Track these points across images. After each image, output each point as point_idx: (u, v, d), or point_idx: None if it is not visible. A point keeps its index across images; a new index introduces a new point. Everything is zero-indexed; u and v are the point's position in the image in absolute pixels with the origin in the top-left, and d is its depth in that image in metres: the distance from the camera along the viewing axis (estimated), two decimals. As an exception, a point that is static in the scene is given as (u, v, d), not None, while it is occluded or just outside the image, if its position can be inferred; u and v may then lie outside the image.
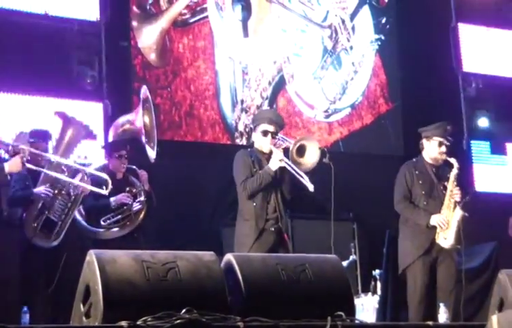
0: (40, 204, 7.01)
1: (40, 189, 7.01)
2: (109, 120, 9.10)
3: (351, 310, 4.74)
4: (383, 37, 11.27)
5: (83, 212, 7.36)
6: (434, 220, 7.07)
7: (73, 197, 7.09)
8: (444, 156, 7.25)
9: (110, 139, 7.90)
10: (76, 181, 6.97)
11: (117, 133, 7.77)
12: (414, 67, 11.05)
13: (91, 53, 9.23)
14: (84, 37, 9.21)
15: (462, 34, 11.42)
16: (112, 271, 4.15)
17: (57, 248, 7.07)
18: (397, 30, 11.37)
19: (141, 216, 7.47)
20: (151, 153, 7.62)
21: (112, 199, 7.34)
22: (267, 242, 6.61)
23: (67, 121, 7.31)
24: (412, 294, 7.12)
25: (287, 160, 6.61)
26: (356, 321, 4.83)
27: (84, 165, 7.21)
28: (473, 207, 7.27)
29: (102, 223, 7.33)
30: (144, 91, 7.85)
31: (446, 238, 7.05)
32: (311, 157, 6.70)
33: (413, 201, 7.20)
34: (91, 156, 8.04)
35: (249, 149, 6.95)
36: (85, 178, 7.10)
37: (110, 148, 7.66)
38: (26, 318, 6.27)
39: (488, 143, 11.40)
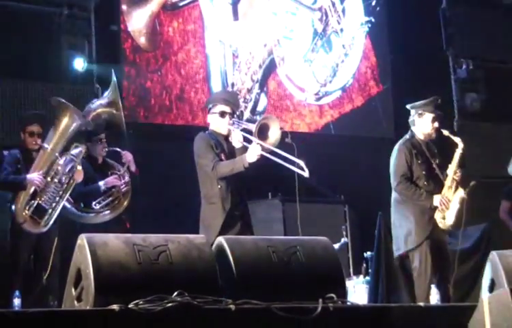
0: (32, 190, 7.01)
1: (33, 176, 6.99)
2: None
3: (342, 292, 4.74)
4: (373, 20, 11.25)
5: (71, 200, 7.25)
6: (437, 200, 6.98)
7: (65, 185, 7.09)
8: (435, 131, 7.17)
9: None
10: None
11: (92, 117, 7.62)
12: (404, 49, 11.06)
13: (81, 37, 9.19)
14: (74, 21, 9.17)
15: (452, 15, 11.41)
16: (103, 255, 4.14)
17: (46, 234, 7.07)
18: (387, 12, 11.35)
19: (128, 197, 7.40)
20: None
21: (101, 182, 7.29)
22: (234, 226, 6.44)
23: (63, 108, 7.27)
24: (422, 275, 6.97)
25: (273, 148, 6.33)
26: (348, 303, 4.84)
27: (74, 154, 7.17)
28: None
29: (94, 207, 7.28)
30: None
31: (444, 219, 6.99)
32: (274, 135, 6.39)
33: (414, 182, 7.08)
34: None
35: (207, 132, 6.70)
36: (77, 167, 7.10)
37: (89, 133, 7.45)
38: (17, 302, 6.26)
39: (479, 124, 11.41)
